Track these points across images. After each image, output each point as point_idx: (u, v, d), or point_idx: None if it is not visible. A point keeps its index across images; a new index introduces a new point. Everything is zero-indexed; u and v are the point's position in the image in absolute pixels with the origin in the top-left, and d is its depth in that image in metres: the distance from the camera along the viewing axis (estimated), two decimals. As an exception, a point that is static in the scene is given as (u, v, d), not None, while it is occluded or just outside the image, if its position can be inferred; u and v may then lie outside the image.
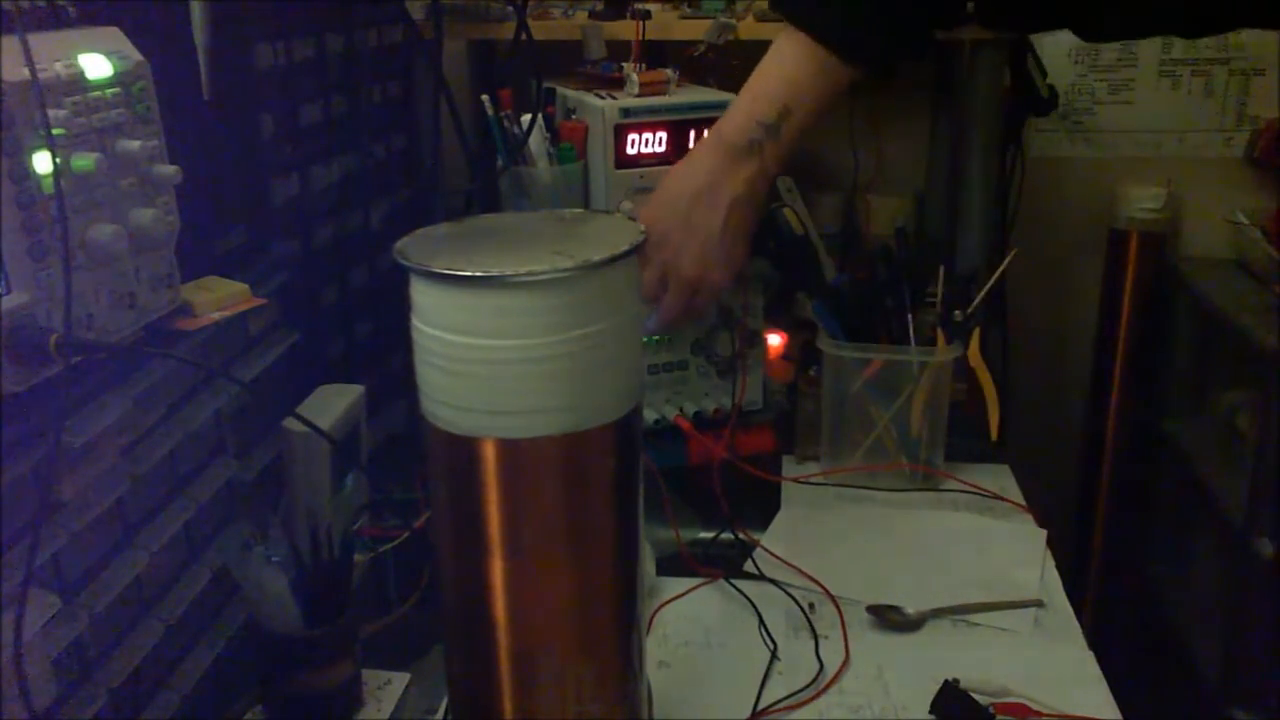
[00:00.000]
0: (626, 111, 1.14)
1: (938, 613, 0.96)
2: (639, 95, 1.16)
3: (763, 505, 1.15)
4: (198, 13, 0.86)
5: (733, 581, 1.01)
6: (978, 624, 0.96)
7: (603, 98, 1.16)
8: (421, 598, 0.96)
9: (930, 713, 0.84)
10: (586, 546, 0.65)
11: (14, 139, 0.60)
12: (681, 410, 1.20)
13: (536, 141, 1.18)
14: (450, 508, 0.65)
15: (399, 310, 0.63)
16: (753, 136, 0.94)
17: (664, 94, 1.17)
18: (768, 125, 0.93)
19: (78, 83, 0.65)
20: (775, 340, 1.38)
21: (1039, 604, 0.98)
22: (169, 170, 0.72)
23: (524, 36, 1.17)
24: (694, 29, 1.33)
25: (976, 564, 1.04)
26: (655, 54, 1.26)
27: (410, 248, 0.61)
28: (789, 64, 0.93)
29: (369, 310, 1.14)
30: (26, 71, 0.60)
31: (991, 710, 0.83)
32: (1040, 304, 1.82)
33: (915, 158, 1.73)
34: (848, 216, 1.69)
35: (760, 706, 0.85)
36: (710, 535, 1.09)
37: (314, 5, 1.03)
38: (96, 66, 0.67)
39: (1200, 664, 1.60)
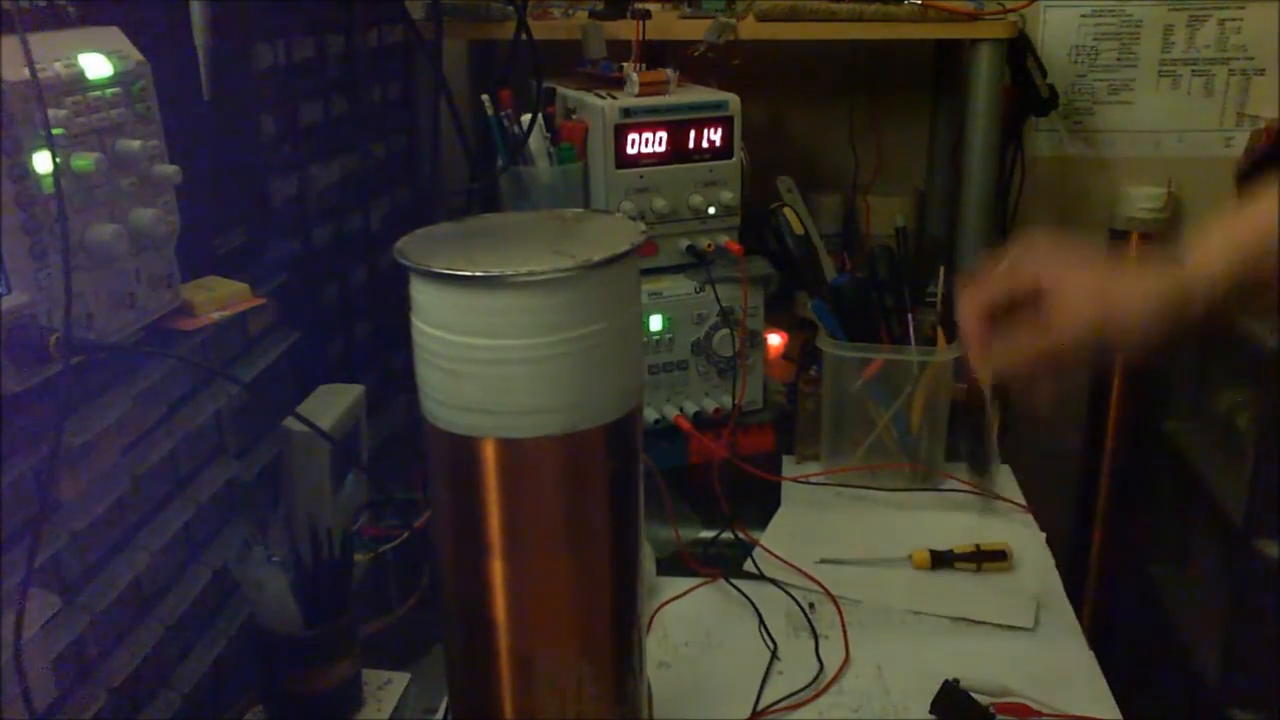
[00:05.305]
0: (626, 111, 1.14)
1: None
2: (639, 95, 1.16)
3: (763, 505, 1.14)
4: (198, 13, 0.86)
5: (733, 581, 1.01)
6: (978, 624, 0.96)
7: (603, 98, 1.16)
8: (421, 598, 0.96)
9: (930, 713, 0.84)
10: (586, 546, 0.65)
11: (14, 139, 0.60)
12: (681, 410, 1.20)
13: (536, 141, 1.18)
14: (450, 508, 0.65)
15: (399, 310, 0.62)
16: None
17: (664, 94, 1.17)
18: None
19: (78, 83, 0.65)
20: (775, 340, 1.38)
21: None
22: (169, 170, 0.72)
23: (524, 36, 1.17)
24: (694, 29, 1.33)
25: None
26: (655, 54, 1.25)
27: (410, 248, 0.61)
28: None
29: (369, 310, 1.14)
30: (26, 71, 0.60)
31: (991, 710, 0.83)
32: (1040, 304, 1.82)
33: (915, 158, 1.73)
34: (848, 216, 1.69)
35: (760, 706, 0.85)
36: (710, 535, 1.09)
37: (314, 5, 1.03)
38: (96, 66, 0.67)
39: (1200, 664, 1.60)
